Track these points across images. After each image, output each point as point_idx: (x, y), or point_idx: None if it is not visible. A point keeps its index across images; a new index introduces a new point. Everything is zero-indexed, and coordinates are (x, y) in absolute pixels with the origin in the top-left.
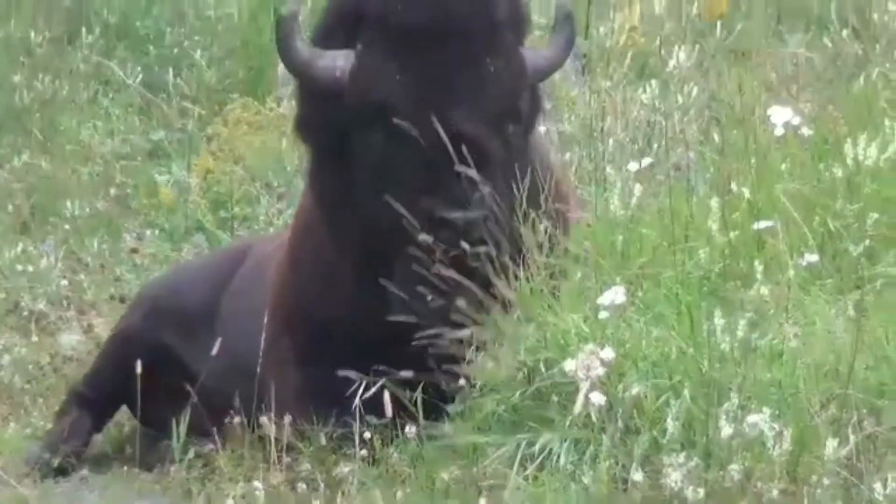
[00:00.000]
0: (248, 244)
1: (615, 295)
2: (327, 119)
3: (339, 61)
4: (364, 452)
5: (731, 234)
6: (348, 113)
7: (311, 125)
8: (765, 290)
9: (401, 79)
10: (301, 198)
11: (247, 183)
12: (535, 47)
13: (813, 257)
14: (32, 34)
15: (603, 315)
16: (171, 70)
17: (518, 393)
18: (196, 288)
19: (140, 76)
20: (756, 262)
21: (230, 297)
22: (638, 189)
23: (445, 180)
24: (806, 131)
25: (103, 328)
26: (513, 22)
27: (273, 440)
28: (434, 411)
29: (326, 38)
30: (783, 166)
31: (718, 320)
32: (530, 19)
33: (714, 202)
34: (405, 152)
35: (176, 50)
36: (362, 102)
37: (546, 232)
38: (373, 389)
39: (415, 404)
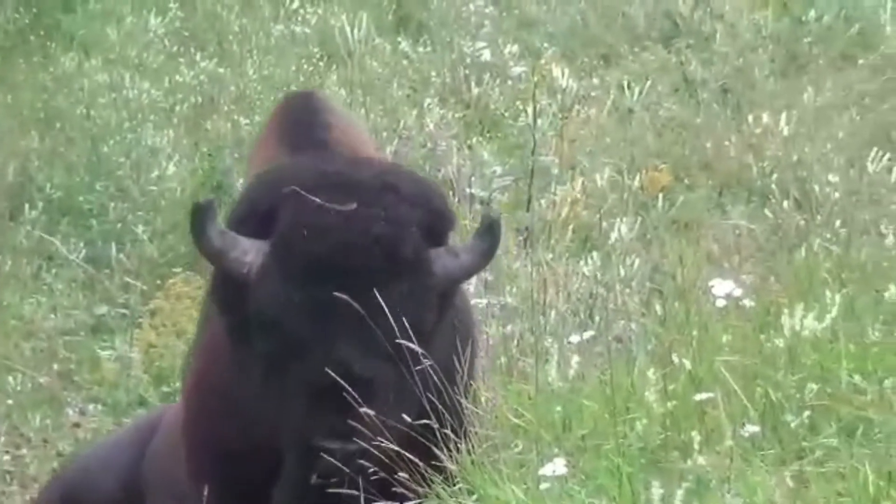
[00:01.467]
0: (163, 411)
1: (556, 466)
2: (235, 301)
3: (249, 256)
4: None
5: (672, 406)
6: (250, 309)
7: (222, 299)
8: (702, 460)
9: (298, 303)
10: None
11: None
12: (455, 248)
13: (754, 428)
14: None
15: (544, 486)
16: (114, 245)
17: None
18: (110, 464)
19: (83, 251)
20: (693, 433)
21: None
22: (575, 361)
23: (327, 412)
24: (747, 303)
25: None
26: (430, 226)
27: None
28: None
29: (240, 223)
30: (724, 338)
31: (656, 490)
32: (452, 218)
33: (653, 374)
34: (295, 373)
35: (119, 225)
36: (260, 312)
37: (487, 403)
38: None
39: None
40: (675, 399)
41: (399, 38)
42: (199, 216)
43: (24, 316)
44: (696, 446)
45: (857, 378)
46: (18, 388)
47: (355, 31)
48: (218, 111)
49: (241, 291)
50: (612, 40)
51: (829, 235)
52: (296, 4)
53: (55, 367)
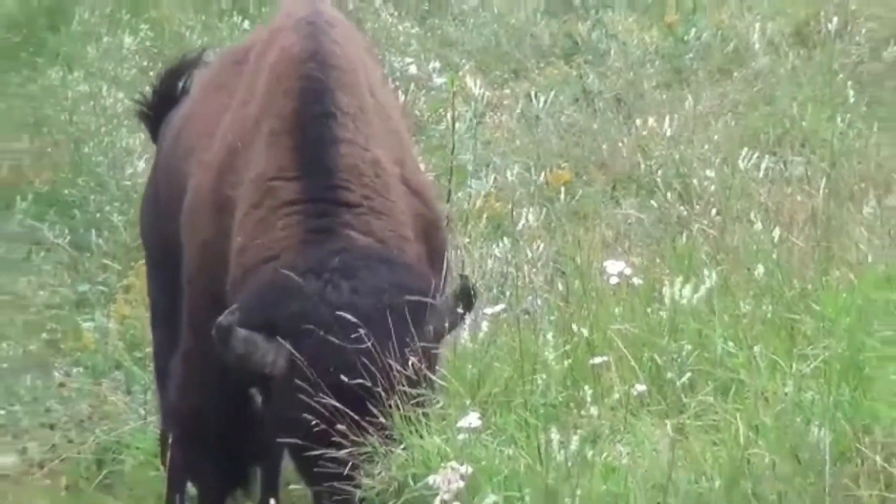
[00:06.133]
0: None
1: (471, 419)
2: None
3: (269, 357)
4: None
5: (571, 367)
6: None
7: None
8: (594, 411)
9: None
10: None
11: None
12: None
13: (641, 387)
14: None
15: (461, 437)
16: (94, 232)
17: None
18: None
19: (68, 237)
20: (587, 387)
21: None
22: (485, 326)
23: None
24: (636, 281)
25: (36, 451)
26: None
27: None
28: None
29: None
30: (616, 310)
31: (554, 435)
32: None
33: (551, 338)
34: None
35: (98, 215)
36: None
37: (414, 368)
38: None
39: None
40: (574, 361)
41: None
42: (222, 335)
43: (16, 292)
44: (588, 400)
45: (730, 344)
46: (11, 353)
47: None
48: None
49: None
50: (520, 57)
51: (706, 223)
52: (246, 25)
53: (44, 336)
